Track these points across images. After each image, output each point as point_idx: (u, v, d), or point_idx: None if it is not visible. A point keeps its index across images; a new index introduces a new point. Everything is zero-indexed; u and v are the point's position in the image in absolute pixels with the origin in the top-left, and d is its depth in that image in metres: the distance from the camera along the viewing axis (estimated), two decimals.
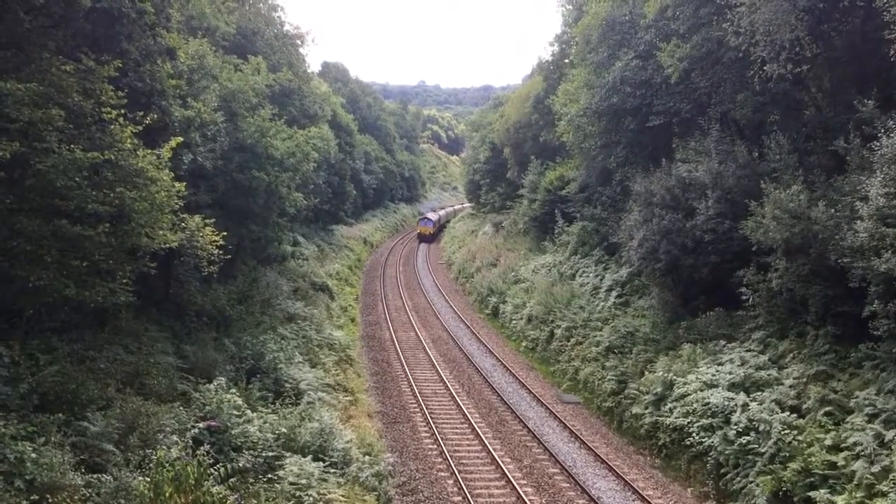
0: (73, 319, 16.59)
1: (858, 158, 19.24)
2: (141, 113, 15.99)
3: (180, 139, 17.92)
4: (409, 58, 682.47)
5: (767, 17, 21.18)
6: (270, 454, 15.36)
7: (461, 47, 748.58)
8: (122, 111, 14.92)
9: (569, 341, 30.67)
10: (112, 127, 14.79)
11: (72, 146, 13.60)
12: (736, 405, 18.83)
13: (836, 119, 21.81)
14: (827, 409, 17.00)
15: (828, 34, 21.19)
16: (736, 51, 23.57)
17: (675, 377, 21.81)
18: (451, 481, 19.16)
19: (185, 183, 17.29)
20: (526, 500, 17.75)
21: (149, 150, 15.64)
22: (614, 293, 31.82)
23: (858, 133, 19.40)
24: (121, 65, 15.64)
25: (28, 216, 13.40)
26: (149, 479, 11.13)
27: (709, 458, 18.67)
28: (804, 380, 18.39)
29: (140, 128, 15.44)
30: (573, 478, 19.43)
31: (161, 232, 15.90)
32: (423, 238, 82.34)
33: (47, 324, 15.66)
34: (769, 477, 16.43)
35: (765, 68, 21.69)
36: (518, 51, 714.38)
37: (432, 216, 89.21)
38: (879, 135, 17.80)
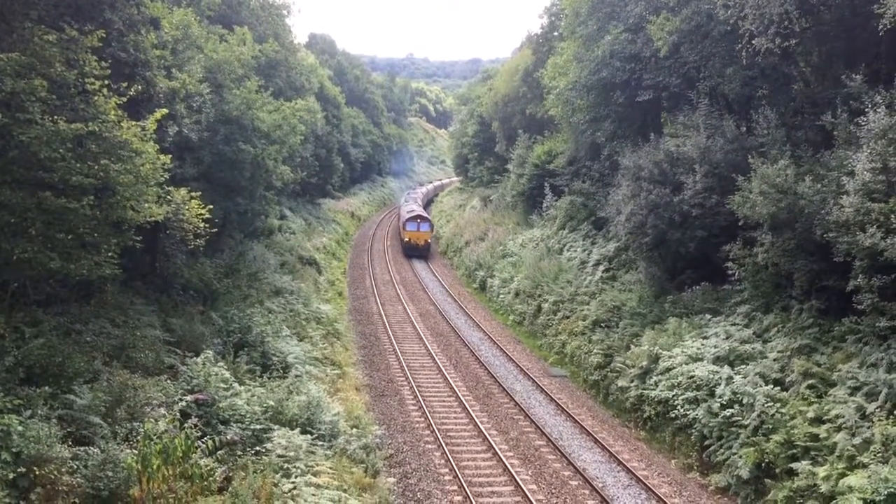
0: (58, 292, 16.49)
1: (845, 133, 19.27)
2: (125, 84, 15.73)
3: (165, 111, 17.69)
4: (398, 30, 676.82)
5: None
6: (258, 427, 15.38)
7: (450, 20, 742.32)
8: (106, 82, 14.65)
9: (556, 315, 30.83)
10: (95, 98, 14.53)
11: (55, 117, 13.40)
12: (720, 378, 19.03)
13: (824, 94, 21.82)
14: (810, 382, 17.19)
15: (817, 8, 21.10)
16: (725, 24, 23.48)
17: (660, 351, 21.99)
18: (438, 454, 19.31)
19: (170, 155, 17.10)
20: (512, 471, 17.93)
21: (133, 122, 15.42)
22: (601, 267, 31.94)
23: (846, 108, 19.41)
24: (104, 35, 15.30)
25: (11, 188, 13.22)
26: (136, 452, 11.16)
27: (693, 431, 18.90)
28: (788, 353, 18.57)
29: (124, 99, 15.19)
30: (559, 450, 19.63)
31: (146, 205, 15.74)
32: (411, 251, 54.98)
33: (32, 297, 15.56)
34: (752, 449, 16.66)
35: (753, 42, 21.60)
36: (508, 23, 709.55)
37: (421, 209, 63.63)
38: (867, 110, 17.83)
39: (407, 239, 55.36)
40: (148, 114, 16.90)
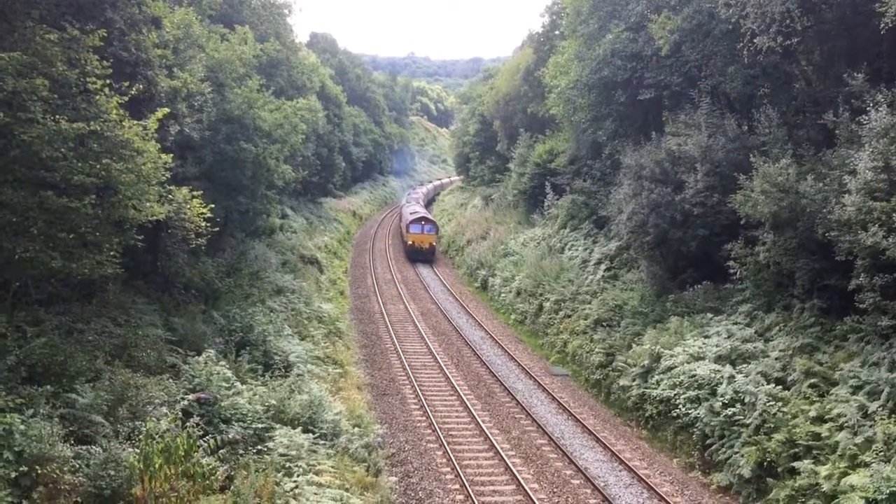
0: (60, 292, 16.50)
1: (847, 132, 19.25)
2: (126, 83, 15.75)
3: (167, 110, 17.70)
4: (399, 29, 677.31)
5: None
6: (260, 426, 15.38)
7: (451, 19, 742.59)
8: (108, 81, 14.66)
9: (557, 314, 30.81)
10: (97, 97, 14.54)
11: (57, 116, 13.41)
12: (722, 377, 19.02)
13: (826, 93, 21.80)
14: (812, 381, 17.18)
15: (818, 6, 21.07)
16: (727, 23, 23.46)
17: (662, 350, 21.98)
18: (440, 453, 19.31)
19: (171, 154, 17.09)
20: (514, 470, 17.92)
21: (135, 121, 15.42)
22: (603, 266, 31.93)
23: (848, 107, 19.39)
24: (105, 34, 15.31)
25: (13, 187, 13.22)
26: (138, 451, 11.15)
27: (695, 430, 18.89)
28: (790, 352, 18.56)
29: (126, 98, 15.20)
30: (561, 449, 19.63)
31: (148, 204, 15.73)
32: (414, 255, 51.33)
33: (34, 296, 15.57)
34: (754, 448, 16.66)
35: (755, 41, 21.57)
36: (509, 22, 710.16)
37: (424, 210, 60.52)
38: (868, 108, 17.81)
39: (410, 242, 51.63)
40: (149, 113, 16.89)
